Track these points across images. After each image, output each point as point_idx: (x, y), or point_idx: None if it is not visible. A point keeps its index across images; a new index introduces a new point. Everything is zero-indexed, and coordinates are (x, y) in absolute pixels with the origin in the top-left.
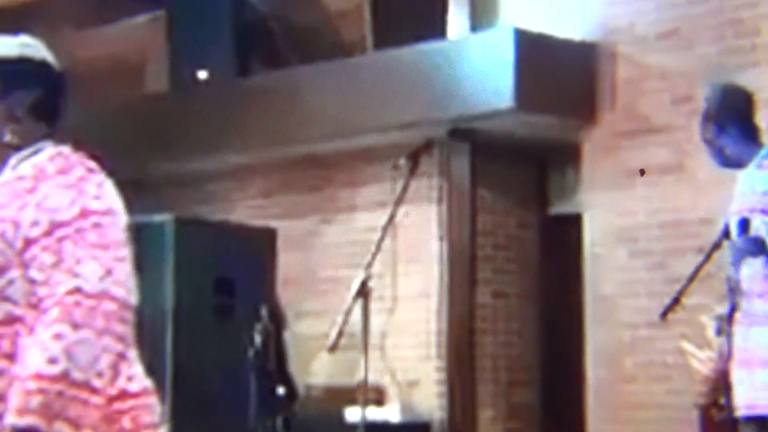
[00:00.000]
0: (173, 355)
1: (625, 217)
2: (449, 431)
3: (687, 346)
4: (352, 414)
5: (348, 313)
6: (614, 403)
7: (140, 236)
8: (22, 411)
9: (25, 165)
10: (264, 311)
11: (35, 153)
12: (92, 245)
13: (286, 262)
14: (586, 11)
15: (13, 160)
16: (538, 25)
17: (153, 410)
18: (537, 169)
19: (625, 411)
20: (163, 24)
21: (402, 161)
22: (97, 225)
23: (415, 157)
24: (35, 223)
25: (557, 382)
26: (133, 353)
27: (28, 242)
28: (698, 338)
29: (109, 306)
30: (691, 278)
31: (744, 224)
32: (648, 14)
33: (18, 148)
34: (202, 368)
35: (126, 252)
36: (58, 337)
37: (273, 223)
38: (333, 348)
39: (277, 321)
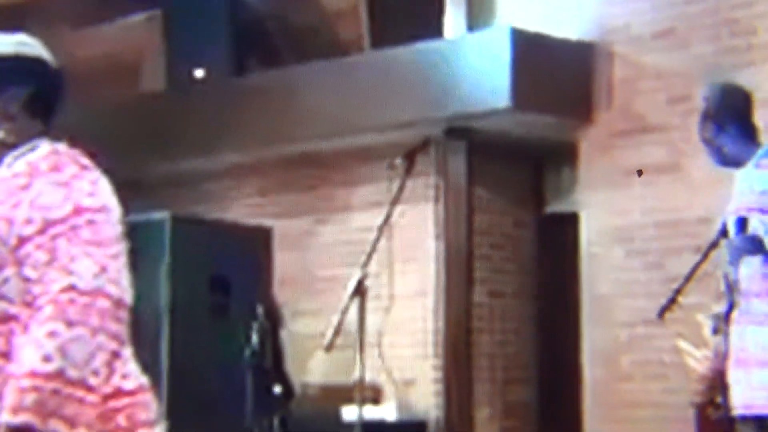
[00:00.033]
0: (169, 353)
1: (621, 216)
2: (446, 430)
3: (683, 344)
4: (349, 413)
5: (344, 312)
6: (611, 401)
7: (137, 234)
8: (17, 409)
9: (20, 162)
10: (260, 310)
11: (31, 150)
12: (86, 242)
13: (283, 261)
14: (583, 11)
15: (8, 158)
16: (535, 24)
17: (149, 408)
18: (533, 168)
19: (621, 410)
20: (159, 23)
21: (398, 160)
22: (91, 222)
23: (411, 156)
24: (29, 221)
25: (554, 381)
26: (128, 351)
27: (22, 240)
28: (695, 337)
29: (104, 303)
30: (689, 277)
31: (741, 223)
32: (644, 14)
33: (13, 146)
34: (199, 367)
35: (120, 248)
36: (52, 335)
37: (269, 222)
38: (329, 347)
39: (274, 320)
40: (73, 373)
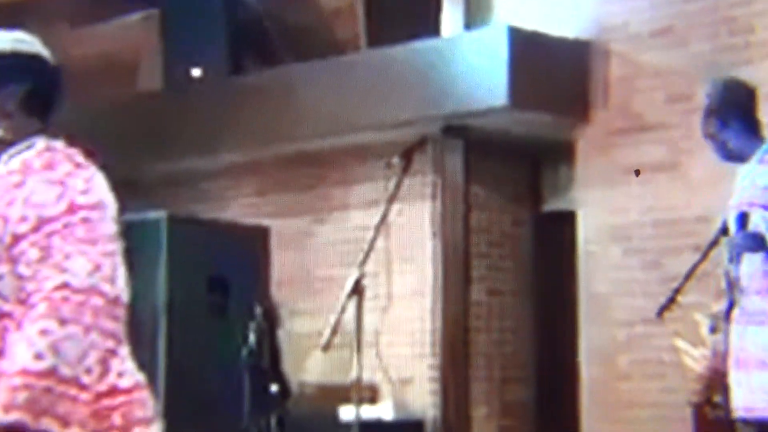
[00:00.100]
0: (167, 353)
1: (618, 214)
2: (443, 429)
3: (681, 343)
4: (346, 412)
5: (342, 311)
6: (608, 401)
7: (134, 234)
8: (9, 407)
9: (15, 160)
10: (258, 310)
11: (27, 148)
12: (80, 240)
13: (280, 260)
14: (580, 9)
15: (5, 156)
16: (532, 23)
17: (145, 405)
18: (531, 166)
19: (619, 409)
20: (156, 22)
21: (395, 159)
22: (85, 220)
23: (408, 154)
24: (23, 219)
25: (551, 380)
26: (124, 349)
27: (17, 238)
28: (692, 336)
29: (98, 301)
30: (688, 276)
31: (742, 219)
32: (642, 12)
33: (10, 144)
34: (196, 366)
35: (115, 246)
36: (44, 332)
37: (267, 222)
38: (327, 346)
39: (271, 319)
40: (65, 371)
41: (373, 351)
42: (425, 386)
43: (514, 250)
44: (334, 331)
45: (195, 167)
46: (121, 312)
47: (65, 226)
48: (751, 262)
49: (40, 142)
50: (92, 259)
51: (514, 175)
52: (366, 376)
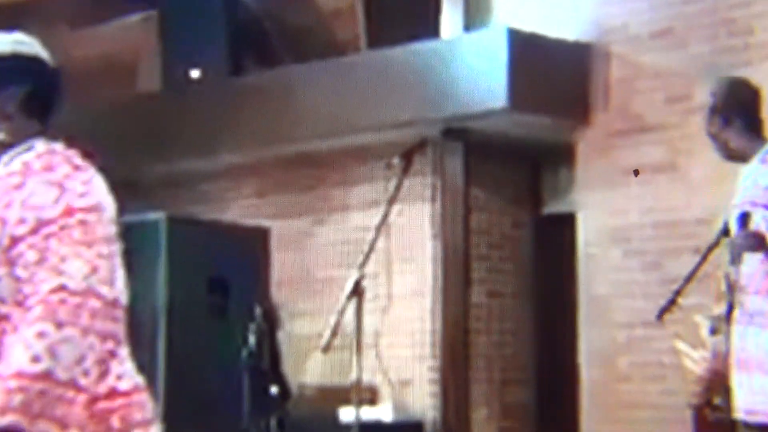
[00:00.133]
0: (167, 354)
1: (618, 216)
2: (442, 431)
3: (681, 345)
4: (346, 414)
5: (342, 312)
6: (608, 402)
7: (133, 235)
8: (4, 409)
9: (15, 162)
10: (258, 311)
11: (27, 150)
12: (77, 243)
13: (280, 261)
14: (580, 11)
15: (5, 158)
16: (532, 24)
17: (144, 408)
18: (531, 168)
19: (619, 411)
20: (155, 23)
21: (395, 160)
22: (82, 222)
23: (408, 156)
24: (21, 221)
25: (551, 382)
26: (124, 351)
27: (15, 240)
28: (693, 338)
29: (95, 304)
30: (689, 278)
31: (744, 218)
32: (641, 14)
33: (10, 146)
34: (196, 367)
35: (113, 248)
36: (41, 335)
37: (267, 223)
38: (326, 348)
39: (271, 321)
40: (62, 374)
41: (372, 352)
42: (425, 388)
43: (514, 252)
44: (334, 332)
45: (194, 168)
46: (120, 313)
47: (62, 228)
48: (750, 262)
49: (40, 144)
50: (89, 262)
51: (514, 177)
52: (366, 378)
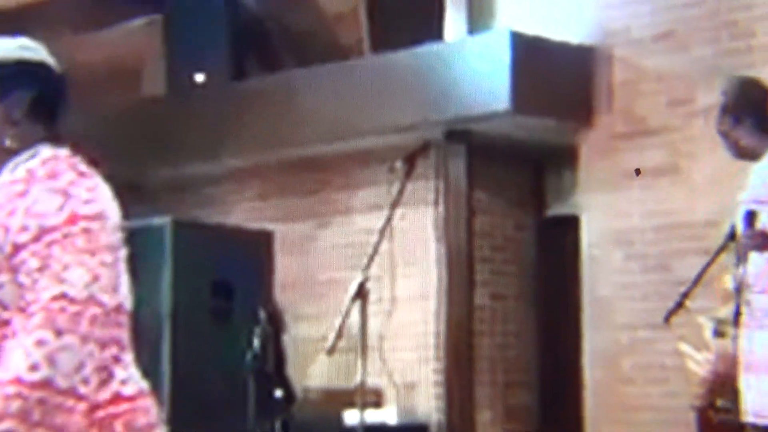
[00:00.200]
0: (171, 358)
1: (621, 219)
2: None
3: (684, 347)
4: (351, 417)
5: (346, 315)
6: (611, 404)
7: (138, 239)
8: (1, 416)
9: (20, 169)
10: (262, 314)
11: (32, 157)
12: (80, 251)
13: (284, 265)
14: (583, 14)
15: (11, 164)
16: (535, 27)
17: (149, 413)
18: (534, 171)
19: (622, 413)
20: (160, 28)
21: (398, 163)
22: (86, 230)
23: (411, 159)
24: (24, 228)
25: (555, 384)
26: (128, 356)
27: (18, 247)
28: (697, 340)
29: (96, 311)
30: (696, 281)
31: (750, 217)
32: (644, 17)
33: (16, 152)
34: (201, 371)
35: (116, 256)
36: (40, 343)
37: (270, 226)
38: (331, 351)
39: (276, 324)
40: (61, 382)
41: (377, 355)
42: (429, 390)
43: (518, 254)
44: (339, 335)
45: (198, 172)
46: (125, 319)
47: (65, 236)
48: (756, 262)
49: (45, 150)
50: (90, 270)
51: (517, 180)
52: (370, 381)
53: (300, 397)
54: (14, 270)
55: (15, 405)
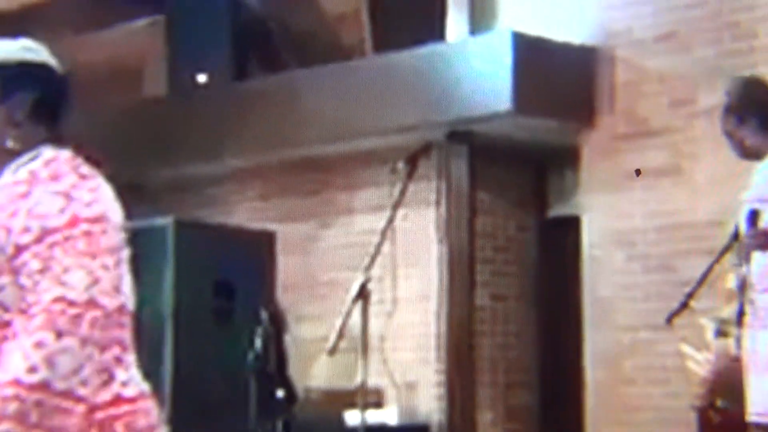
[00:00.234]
0: (173, 358)
1: (623, 219)
2: None
3: (686, 348)
4: (352, 417)
5: (347, 316)
6: (612, 405)
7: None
8: None
9: (22, 171)
10: (264, 314)
11: (34, 158)
12: (81, 253)
13: (285, 265)
14: (585, 15)
15: (13, 166)
16: (537, 28)
17: (149, 414)
18: (535, 171)
19: (623, 413)
20: (162, 28)
21: (400, 164)
22: (87, 233)
23: (413, 160)
24: (26, 230)
25: (556, 384)
26: (130, 357)
27: (19, 249)
28: (698, 341)
29: (95, 314)
30: (700, 282)
31: (753, 216)
32: (646, 18)
33: (19, 153)
34: (202, 371)
35: (119, 257)
36: (39, 345)
37: (272, 227)
38: (332, 351)
39: (278, 324)
40: (59, 384)
41: (378, 355)
42: (430, 391)
43: (519, 255)
44: (340, 335)
45: (200, 172)
46: (127, 320)
47: (66, 238)
48: (758, 261)
49: (47, 152)
50: (91, 273)
51: (518, 181)
52: (371, 381)
53: (301, 397)
54: (16, 272)
55: (13, 407)
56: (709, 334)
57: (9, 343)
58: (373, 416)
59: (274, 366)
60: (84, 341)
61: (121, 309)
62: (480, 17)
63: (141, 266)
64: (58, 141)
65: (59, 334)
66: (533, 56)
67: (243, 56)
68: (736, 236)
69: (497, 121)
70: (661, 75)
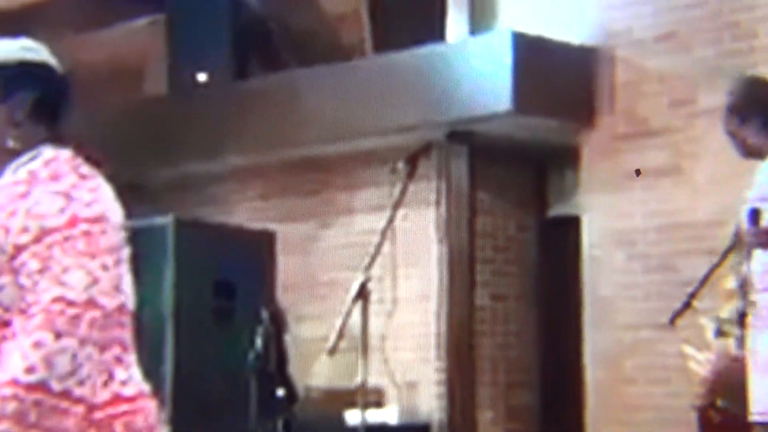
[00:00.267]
0: (173, 357)
1: (623, 219)
2: None
3: (688, 349)
4: (352, 416)
5: (347, 315)
6: (613, 404)
7: (140, 239)
8: None
9: (22, 170)
10: (265, 314)
11: (34, 158)
12: (80, 253)
13: (285, 265)
14: (585, 15)
15: (13, 165)
16: (537, 28)
17: (149, 414)
18: (536, 171)
19: (624, 413)
20: (162, 27)
21: (400, 164)
22: (86, 233)
23: (413, 160)
24: (25, 230)
25: (556, 384)
26: (130, 357)
27: (18, 249)
28: (700, 341)
29: (94, 314)
30: (703, 282)
31: (754, 215)
32: (646, 18)
33: (19, 153)
34: (203, 371)
35: (119, 257)
36: (38, 345)
37: (272, 226)
38: (333, 350)
39: (278, 324)
40: (56, 384)
41: (378, 355)
42: (431, 390)
43: (519, 254)
44: (340, 335)
45: (200, 172)
46: (127, 319)
47: (66, 238)
48: (760, 260)
49: (47, 151)
50: (90, 273)
51: (518, 180)
52: (372, 380)
53: (302, 396)
54: (15, 272)
55: (11, 407)
56: (710, 334)
57: (8, 343)
58: (374, 416)
59: (275, 365)
60: (83, 341)
61: (121, 308)
62: (480, 17)
63: (141, 266)
64: (58, 141)
65: (58, 335)
66: (533, 56)
67: (243, 56)
68: (737, 236)
69: (497, 121)
70: (661, 75)
